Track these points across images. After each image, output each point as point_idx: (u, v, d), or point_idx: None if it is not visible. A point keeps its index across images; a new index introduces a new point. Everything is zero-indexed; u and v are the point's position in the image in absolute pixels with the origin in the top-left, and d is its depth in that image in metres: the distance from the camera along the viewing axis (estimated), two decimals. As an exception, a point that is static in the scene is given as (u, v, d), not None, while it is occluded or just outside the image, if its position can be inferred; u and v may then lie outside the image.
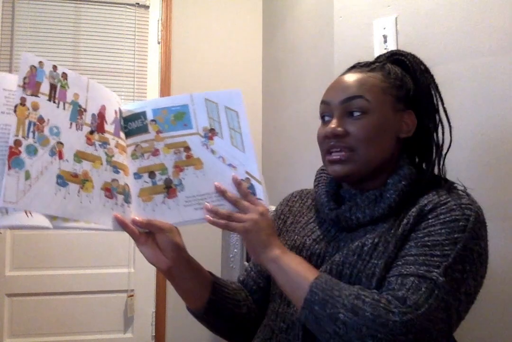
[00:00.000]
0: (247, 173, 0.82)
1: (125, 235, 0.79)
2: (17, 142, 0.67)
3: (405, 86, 0.87)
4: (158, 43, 2.49)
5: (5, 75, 0.73)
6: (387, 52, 0.94)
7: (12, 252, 2.29)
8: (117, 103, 0.83)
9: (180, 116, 0.83)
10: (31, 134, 0.69)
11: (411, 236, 0.77)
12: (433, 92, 0.89)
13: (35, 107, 0.70)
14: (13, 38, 2.33)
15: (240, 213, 0.79)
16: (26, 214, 0.68)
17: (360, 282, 0.76)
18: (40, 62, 0.72)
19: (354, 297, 0.69)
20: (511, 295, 1.13)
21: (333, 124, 0.83)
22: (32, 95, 0.70)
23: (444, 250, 0.72)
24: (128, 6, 2.46)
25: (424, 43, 1.34)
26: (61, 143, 0.73)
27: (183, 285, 0.88)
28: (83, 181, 0.74)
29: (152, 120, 0.83)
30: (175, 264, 0.82)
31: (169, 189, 0.81)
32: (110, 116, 0.81)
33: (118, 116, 0.83)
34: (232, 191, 0.81)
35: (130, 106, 0.85)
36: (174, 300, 2.38)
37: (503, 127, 1.17)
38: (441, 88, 0.89)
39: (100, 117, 0.79)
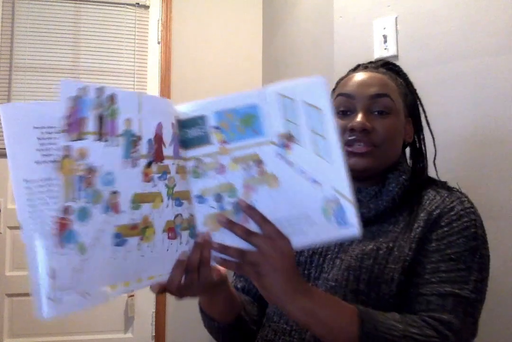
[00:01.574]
0: (335, 190, 0.62)
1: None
2: (67, 210, 0.51)
3: (408, 95, 0.91)
4: (158, 43, 2.48)
5: (35, 106, 0.54)
6: (379, 61, 0.96)
7: (12, 252, 2.28)
8: (173, 112, 0.66)
9: (248, 121, 0.65)
10: (81, 194, 0.53)
11: (431, 246, 0.78)
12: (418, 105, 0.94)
13: (83, 156, 0.53)
14: (13, 38, 2.32)
15: (255, 252, 0.64)
16: (83, 294, 0.53)
17: (379, 287, 0.77)
18: (81, 89, 0.53)
19: (408, 339, 0.68)
20: (505, 295, 1.13)
21: (360, 118, 0.84)
22: (77, 139, 0.53)
23: (467, 262, 0.75)
24: (128, 6, 2.46)
25: (424, 43, 1.34)
26: (115, 192, 0.56)
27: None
28: (143, 229, 0.59)
29: (216, 128, 0.65)
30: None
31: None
32: (167, 134, 0.64)
33: (176, 129, 0.66)
34: (317, 213, 0.64)
35: (185, 108, 0.67)
36: (174, 300, 2.37)
37: (503, 127, 1.17)
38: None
39: (157, 141, 0.62)
